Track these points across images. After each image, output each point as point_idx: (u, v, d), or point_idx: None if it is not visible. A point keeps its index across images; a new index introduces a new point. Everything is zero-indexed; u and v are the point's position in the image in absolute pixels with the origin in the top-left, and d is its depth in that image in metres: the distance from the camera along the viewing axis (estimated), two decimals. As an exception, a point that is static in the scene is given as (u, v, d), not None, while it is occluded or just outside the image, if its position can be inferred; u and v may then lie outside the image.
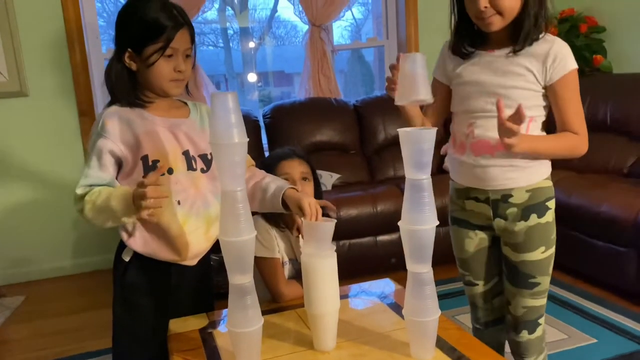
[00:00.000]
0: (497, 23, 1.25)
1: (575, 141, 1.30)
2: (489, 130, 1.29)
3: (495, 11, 1.23)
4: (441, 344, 1.13)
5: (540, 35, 1.28)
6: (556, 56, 1.26)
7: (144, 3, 1.22)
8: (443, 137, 1.61)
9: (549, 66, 1.26)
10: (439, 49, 1.43)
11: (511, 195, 1.33)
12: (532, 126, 1.32)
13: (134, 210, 1.13)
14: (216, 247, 1.19)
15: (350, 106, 3.41)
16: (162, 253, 1.27)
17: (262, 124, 3.29)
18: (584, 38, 3.50)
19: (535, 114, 1.31)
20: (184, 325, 1.29)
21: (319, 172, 2.48)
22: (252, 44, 4.02)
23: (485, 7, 1.22)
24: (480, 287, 1.48)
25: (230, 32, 4.05)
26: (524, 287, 1.38)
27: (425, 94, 1.04)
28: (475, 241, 1.43)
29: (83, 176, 1.23)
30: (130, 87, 1.24)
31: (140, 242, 1.25)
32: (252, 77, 4.09)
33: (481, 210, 1.38)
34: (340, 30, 4.09)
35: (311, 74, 3.48)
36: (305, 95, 3.50)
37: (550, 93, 1.29)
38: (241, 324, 1.07)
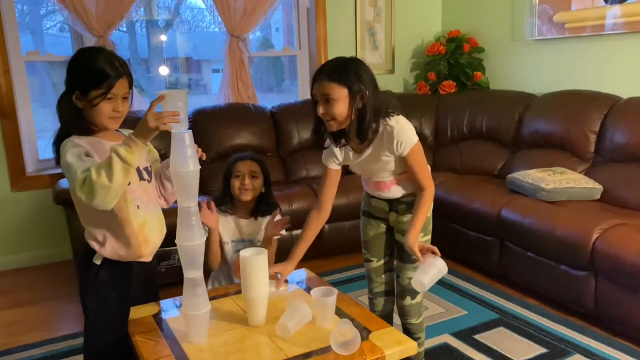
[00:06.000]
0: (334, 126, 1.65)
1: (428, 198, 1.75)
2: (384, 177, 1.78)
3: (330, 117, 1.62)
4: (342, 314, 1.53)
5: (383, 122, 1.65)
6: (399, 141, 1.66)
7: (92, 55, 1.46)
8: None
9: (397, 148, 1.67)
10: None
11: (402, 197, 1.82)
12: (404, 177, 1.78)
13: (147, 131, 1.31)
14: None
15: (267, 112, 3.73)
16: (127, 256, 1.55)
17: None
18: (467, 56, 4.05)
19: (404, 172, 1.77)
20: (140, 312, 1.58)
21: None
22: (162, 37, 4.09)
23: (323, 113, 1.62)
24: (374, 263, 1.95)
25: (134, 16, 3.92)
26: (409, 262, 1.85)
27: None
28: (375, 227, 1.92)
29: (78, 171, 1.32)
30: (80, 121, 1.47)
31: (109, 249, 1.52)
32: (163, 70, 4.25)
33: (381, 206, 1.87)
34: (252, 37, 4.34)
35: (230, 81, 3.75)
36: (225, 101, 3.77)
37: (404, 160, 1.71)
38: (193, 308, 1.39)
